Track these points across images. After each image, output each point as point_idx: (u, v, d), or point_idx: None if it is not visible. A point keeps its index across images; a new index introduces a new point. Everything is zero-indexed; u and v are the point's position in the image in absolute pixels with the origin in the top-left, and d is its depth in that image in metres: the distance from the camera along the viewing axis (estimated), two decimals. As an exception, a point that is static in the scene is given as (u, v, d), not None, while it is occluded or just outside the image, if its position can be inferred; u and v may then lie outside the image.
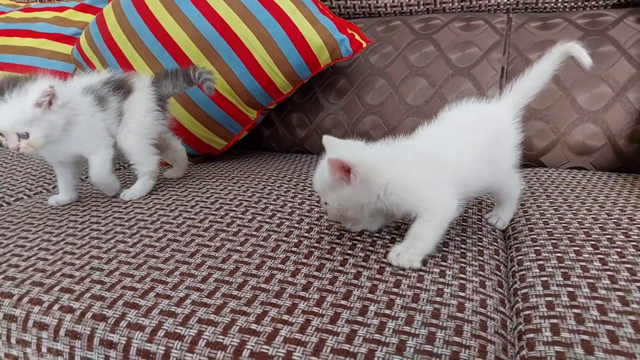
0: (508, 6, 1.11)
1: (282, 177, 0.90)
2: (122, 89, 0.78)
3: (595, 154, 0.93)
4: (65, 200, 0.80)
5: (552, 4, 1.08)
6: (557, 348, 0.40)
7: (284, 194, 0.80)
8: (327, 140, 0.61)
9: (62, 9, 1.35)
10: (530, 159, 0.97)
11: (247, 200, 0.76)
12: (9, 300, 0.51)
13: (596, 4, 1.07)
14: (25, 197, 0.89)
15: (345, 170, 0.53)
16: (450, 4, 1.14)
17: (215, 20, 0.96)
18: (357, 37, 1.01)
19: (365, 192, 0.55)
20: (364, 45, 1.01)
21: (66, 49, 1.30)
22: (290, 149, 1.18)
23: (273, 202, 0.75)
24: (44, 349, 0.48)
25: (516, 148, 0.65)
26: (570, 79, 0.95)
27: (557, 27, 1.01)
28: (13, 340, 0.49)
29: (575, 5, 1.08)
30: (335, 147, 0.60)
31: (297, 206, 0.74)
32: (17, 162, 1.09)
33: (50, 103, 0.66)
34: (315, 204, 0.75)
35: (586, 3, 1.07)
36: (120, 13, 1.08)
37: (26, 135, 0.66)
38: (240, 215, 0.70)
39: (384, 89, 1.07)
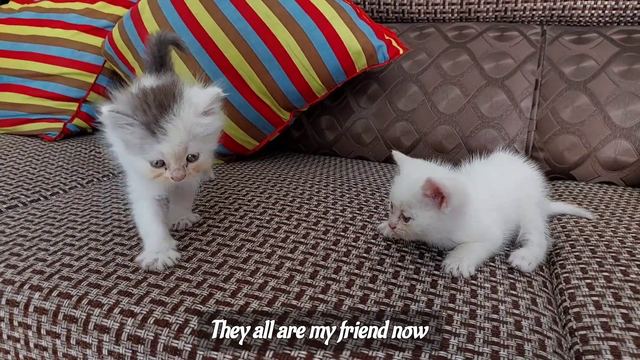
0: (542, 18, 1.12)
1: (318, 182, 0.91)
2: None
3: (627, 170, 0.94)
4: None
5: (587, 18, 1.09)
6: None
7: (324, 199, 0.81)
8: (399, 156, 0.63)
9: (93, 1, 1.35)
10: (562, 172, 0.99)
11: (289, 205, 0.77)
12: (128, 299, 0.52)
13: (631, 20, 1.07)
14: (61, 192, 0.90)
15: (439, 196, 0.54)
16: (485, 13, 1.14)
17: (256, 23, 0.96)
18: (394, 43, 1.02)
19: (447, 221, 0.56)
20: (401, 52, 1.02)
21: (97, 41, 1.30)
22: (318, 151, 1.19)
23: (315, 209, 0.76)
24: (159, 348, 0.49)
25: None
26: (604, 95, 0.96)
27: (592, 41, 1.02)
28: (124, 337, 0.51)
29: (610, 20, 1.08)
30: (416, 166, 0.61)
31: (340, 213, 0.75)
32: (49, 156, 1.10)
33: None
34: (357, 211, 0.76)
35: (621, 18, 1.08)
36: (156, 8, 1.09)
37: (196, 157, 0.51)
38: (285, 221, 0.71)
39: (416, 96, 1.07)
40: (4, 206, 0.81)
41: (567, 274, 0.60)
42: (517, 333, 0.47)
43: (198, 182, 0.65)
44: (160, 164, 0.49)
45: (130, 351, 0.48)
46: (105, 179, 1.00)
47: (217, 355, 0.45)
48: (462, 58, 1.07)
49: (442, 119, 1.05)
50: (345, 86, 1.12)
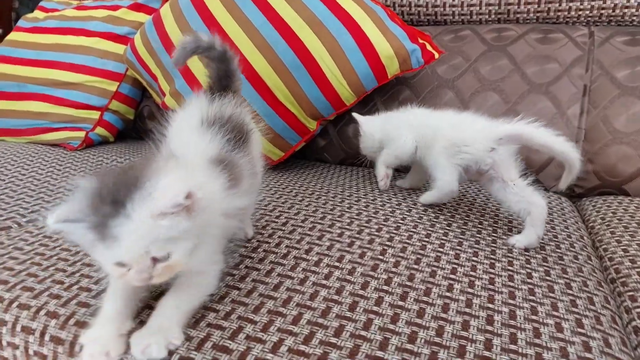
0: (589, 18, 1.04)
1: (348, 196, 0.85)
2: None
3: (688, 183, 0.86)
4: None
5: None
6: None
7: (356, 216, 0.75)
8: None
9: (115, 8, 1.33)
10: (613, 186, 0.91)
11: (319, 223, 0.72)
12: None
13: (690, 19, 0.99)
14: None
15: None
16: (525, 14, 1.07)
17: (282, 27, 0.92)
18: (428, 47, 0.96)
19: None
20: (436, 56, 0.96)
21: (118, 48, 1.28)
22: (345, 161, 1.13)
23: (348, 227, 0.71)
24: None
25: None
26: (663, 100, 0.88)
27: (646, 43, 0.94)
28: None
29: (666, 20, 1.00)
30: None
31: (375, 233, 0.69)
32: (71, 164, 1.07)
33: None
34: (394, 231, 0.70)
35: (679, 17, 0.99)
36: (179, 14, 1.05)
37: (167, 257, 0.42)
38: (317, 241, 0.65)
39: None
40: (24, 220, 0.77)
41: (631, 293, 0.53)
42: (587, 355, 0.40)
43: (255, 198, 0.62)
44: (122, 264, 0.41)
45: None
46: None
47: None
48: (502, 62, 1.00)
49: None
50: (375, 92, 1.06)
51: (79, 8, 1.38)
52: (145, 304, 0.50)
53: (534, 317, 0.49)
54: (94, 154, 1.18)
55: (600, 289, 0.57)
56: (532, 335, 0.46)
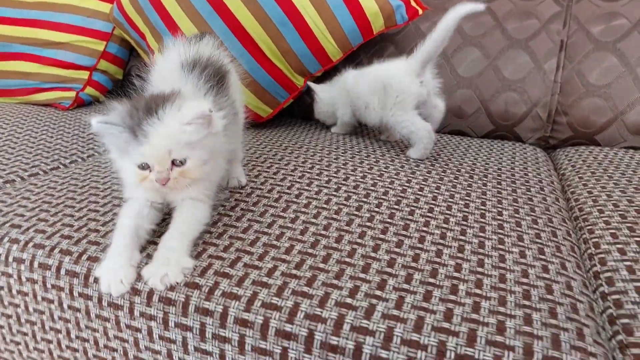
0: (569, -26, 1.07)
1: (335, 149, 0.90)
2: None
3: (655, 133, 0.92)
4: None
5: (617, -26, 1.04)
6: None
7: (334, 160, 0.80)
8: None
9: (100, -35, 1.31)
10: (585, 137, 0.96)
11: (308, 172, 0.76)
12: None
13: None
14: (80, 160, 0.90)
15: None
16: (507, -29, 1.09)
17: (270, -17, 0.93)
18: (412, 3, 0.98)
19: None
20: (420, 12, 0.99)
21: (105, 7, 1.27)
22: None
23: (335, 175, 0.75)
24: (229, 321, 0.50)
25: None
26: (636, 55, 0.93)
27: (622, -2, 0.98)
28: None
29: (642, -25, 1.03)
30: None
31: (360, 180, 0.74)
32: (64, 126, 1.10)
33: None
34: (378, 178, 0.75)
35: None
36: (166, -28, 1.05)
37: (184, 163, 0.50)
38: (306, 187, 0.70)
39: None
40: (26, 174, 0.81)
41: (596, 239, 0.59)
42: (549, 297, 0.46)
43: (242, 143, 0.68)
44: (145, 166, 0.49)
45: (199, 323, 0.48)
46: (95, 136, 0.99)
47: (248, 316, 0.45)
48: (484, 18, 1.03)
49: (462, 83, 1.02)
50: (361, 49, 1.09)
51: (62, -35, 1.36)
52: (149, 240, 0.55)
53: (500, 246, 0.55)
54: (86, 113, 1.20)
55: (564, 224, 0.64)
56: (497, 261, 0.52)
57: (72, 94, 1.25)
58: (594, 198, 0.70)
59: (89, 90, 1.28)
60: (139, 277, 0.50)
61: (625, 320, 0.44)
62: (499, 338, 0.41)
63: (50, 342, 0.58)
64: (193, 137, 0.48)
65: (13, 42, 1.26)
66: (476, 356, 0.39)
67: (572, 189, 0.76)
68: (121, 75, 1.38)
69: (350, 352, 0.42)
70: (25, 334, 0.60)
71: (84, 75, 1.27)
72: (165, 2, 1.03)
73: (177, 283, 0.48)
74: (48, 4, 1.27)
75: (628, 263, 0.52)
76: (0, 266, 0.58)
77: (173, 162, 0.49)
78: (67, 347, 0.57)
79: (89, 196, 0.69)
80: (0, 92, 1.26)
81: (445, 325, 0.42)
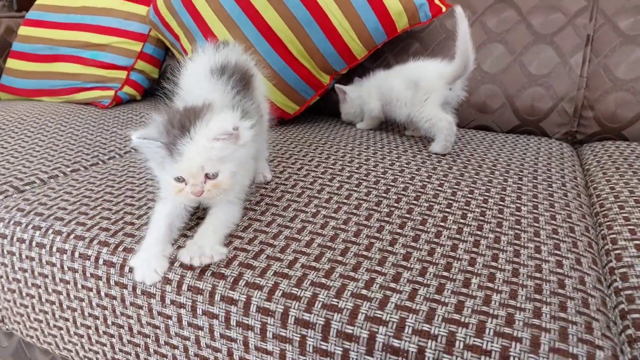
0: (598, -33, 1.05)
1: (358, 145, 0.92)
2: None
3: (685, 128, 0.90)
4: None
5: (648, -35, 1.01)
6: (665, 327, 0.42)
7: (357, 156, 0.82)
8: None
9: (136, -30, 1.38)
10: (612, 132, 0.95)
11: (330, 168, 0.79)
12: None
13: (699, -36, 0.99)
14: (117, 157, 0.95)
15: None
16: (534, -36, 1.08)
17: (295, -16, 0.96)
18: (436, 1, 0.99)
19: None
20: (444, 9, 0.99)
21: (141, 9, 1.33)
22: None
23: (365, 178, 0.78)
24: (253, 309, 0.54)
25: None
26: (664, 47, 0.91)
27: (653, -10, 0.96)
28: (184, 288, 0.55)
29: (675, -34, 1.00)
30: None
31: (391, 183, 0.76)
32: (103, 122, 1.16)
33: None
34: (399, 174, 0.77)
35: (688, -37, 0.99)
36: (197, -25, 1.10)
37: (216, 175, 0.54)
38: (336, 191, 0.73)
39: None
40: (69, 169, 0.87)
41: (614, 235, 0.60)
42: (560, 291, 0.48)
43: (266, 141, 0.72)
44: (181, 179, 0.53)
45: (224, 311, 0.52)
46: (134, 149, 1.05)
47: (269, 305, 0.48)
48: (508, 14, 1.03)
49: (486, 78, 1.02)
50: (386, 46, 1.10)
51: (101, -29, 1.43)
52: (180, 234, 0.59)
53: (515, 242, 0.56)
54: (124, 111, 1.26)
55: (583, 220, 0.64)
56: (512, 256, 0.54)
57: (111, 92, 1.31)
58: (615, 194, 0.70)
59: (127, 89, 1.34)
60: (170, 268, 0.54)
61: (636, 315, 0.45)
62: (507, 330, 0.42)
63: (89, 327, 0.63)
64: (223, 153, 0.52)
65: (57, 44, 1.34)
66: (484, 347, 0.41)
67: (595, 185, 0.76)
68: (157, 74, 1.44)
69: (365, 340, 0.44)
70: (67, 320, 0.65)
71: (122, 75, 1.33)
72: (198, 5, 1.08)
73: (211, 263, 0.52)
74: (89, 8, 1.35)
75: (637, 242, 0.53)
76: (46, 256, 0.63)
77: (206, 176, 0.53)
78: (104, 332, 0.62)
79: (126, 191, 0.74)
80: (46, 92, 1.35)
81: (456, 316, 0.44)
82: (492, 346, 0.41)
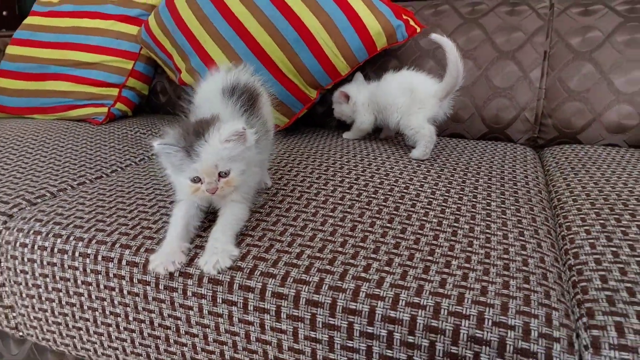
0: (551, -9, 1.18)
1: (346, 153, 1.02)
2: None
3: (629, 132, 1.03)
4: None
5: (594, -10, 1.15)
6: (607, 293, 0.53)
7: (346, 163, 0.91)
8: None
9: (126, -8, 1.45)
10: (569, 137, 1.07)
11: (324, 173, 0.88)
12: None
13: (636, -10, 1.13)
14: (120, 170, 1.02)
15: None
16: (496, -11, 1.21)
17: (284, 8, 1.05)
18: (411, 22, 1.10)
19: None
20: (418, 30, 1.10)
21: (132, 29, 1.40)
22: (342, 126, 1.28)
23: (347, 176, 0.87)
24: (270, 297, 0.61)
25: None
26: (608, 64, 1.04)
27: (597, 13, 1.09)
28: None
29: (616, -9, 1.14)
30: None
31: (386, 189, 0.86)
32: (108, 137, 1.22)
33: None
34: (384, 177, 0.87)
35: (626, -11, 1.14)
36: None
37: (227, 174, 0.62)
38: (323, 187, 0.82)
39: (433, 70, 1.15)
40: (75, 183, 0.93)
41: (568, 223, 0.70)
42: (525, 268, 0.58)
43: (269, 153, 0.79)
44: (197, 179, 0.61)
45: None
46: (154, 157, 1.11)
47: (282, 290, 0.56)
48: (475, 33, 1.15)
49: (459, 91, 1.13)
50: (367, 63, 1.20)
51: (90, -8, 1.49)
52: (196, 234, 0.67)
53: (487, 231, 0.66)
54: (118, 127, 1.32)
55: (543, 212, 0.75)
56: (484, 242, 0.64)
57: (104, 109, 1.37)
58: (570, 190, 0.81)
59: (119, 105, 1.41)
60: (189, 264, 0.62)
61: (584, 284, 0.55)
62: (482, 298, 0.52)
63: (109, 325, 0.70)
64: (233, 152, 0.61)
65: (49, 63, 1.39)
66: (464, 312, 0.51)
67: (554, 183, 0.87)
68: (147, 91, 1.51)
69: (366, 313, 0.53)
70: (87, 320, 0.71)
71: (114, 92, 1.39)
72: (191, 26, 1.16)
73: (227, 267, 0.60)
74: (80, 28, 1.40)
75: (591, 241, 0.63)
76: (68, 261, 0.70)
77: (219, 174, 0.61)
78: (125, 328, 0.69)
79: (136, 200, 0.81)
80: (39, 109, 1.39)
81: (440, 290, 0.53)
82: (470, 312, 0.51)
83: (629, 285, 0.53)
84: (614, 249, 0.61)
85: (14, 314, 0.78)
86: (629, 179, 0.83)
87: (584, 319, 0.51)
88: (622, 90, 1.03)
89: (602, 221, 0.68)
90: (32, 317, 0.76)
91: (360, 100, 1.10)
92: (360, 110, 1.10)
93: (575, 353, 0.47)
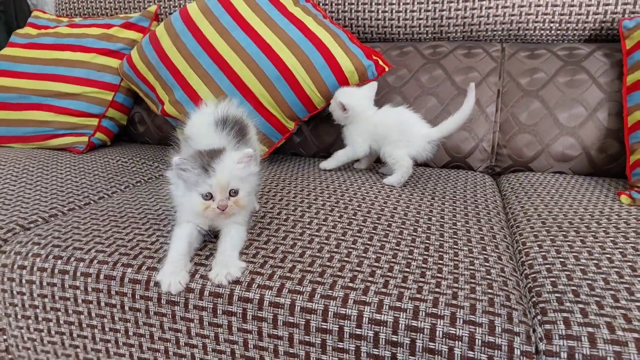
0: (502, 37, 1.34)
1: (325, 179, 1.10)
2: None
3: (573, 161, 1.17)
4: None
5: (538, 37, 1.32)
6: (557, 295, 0.62)
7: (325, 188, 1.00)
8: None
9: (108, 26, 1.51)
10: (522, 165, 1.20)
11: (306, 197, 0.96)
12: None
13: (572, 38, 1.30)
14: (106, 197, 1.06)
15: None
16: (454, 34, 1.36)
17: (265, 47, 1.15)
18: (380, 62, 1.22)
19: None
20: (386, 69, 1.22)
21: (113, 62, 1.46)
22: (317, 154, 1.38)
23: (328, 200, 0.95)
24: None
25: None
26: (553, 101, 1.18)
27: (542, 57, 1.25)
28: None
29: (556, 39, 1.31)
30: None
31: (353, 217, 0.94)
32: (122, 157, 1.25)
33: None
34: (361, 200, 0.95)
35: (564, 37, 1.30)
36: (175, 36, 1.26)
37: (237, 193, 0.69)
38: (306, 209, 0.89)
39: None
40: (65, 209, 0.96)
41: (524, 240, 0.81)
42: (488, 277, 0.67)
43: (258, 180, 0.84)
44: (209, 196, 0.67)
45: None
46: (138, 184, 1.16)
47: (278, 300, 0.63)
48: (437, 72, 1.28)
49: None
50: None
51: (71, 26, 1.54)
52: (197, 252, 0.73)
53: (454, 246, 0.76)
54: (99, 156, 1.36)
55: (502, 231, 0.85)
56: (452, 256, 0.73)
57: (85, 139, 1.41)
58: (524, 211, 0.92)
59: (99, 135, 1.45)
60: (191, 279, 0.68)
61: (538, 289, 0.65)
62: (453, 302, 0.60)
63: (108, 341, 0.74)
64: (243, 173, 0.68)
65: (30, 94, 1.42)
66: (439, 313, 0.59)
67: (510, 205, 0.99)
68: (125, 121, 1.56)
69: (355, 317, 0.60)
70: (85, 337, 0.74)
71: (94, 122, 1.44)
72: (174, 60, 1.23)
73: (237, 277, 0.66)
74: (61, 60, 1.45)
75: (543, 254, 0.74)
76: (69, 280, 0.74)
77: (230, 193, 0.68)
78: (124, 343, 0.73)
79: (130, 223, 0.85)
80: (19, 138, 1.41)
81: (418, 295, 0.61)
82: (444, 313, 0.59)
83: (574, 288, 0.63)
84: (562, 260, 0.71)
85: (5, 337, 0.80)
86: (573, 202, 0.95)
87: (539, 317, 0.60)
88: (565, 125, 1.17)
89: (552, 237, 0.79)
90: (25, 338, 0.79)
91: (356, 129, 1.13)
92: (357, 140, 1.13)
93: (532, 344, 0.56)
